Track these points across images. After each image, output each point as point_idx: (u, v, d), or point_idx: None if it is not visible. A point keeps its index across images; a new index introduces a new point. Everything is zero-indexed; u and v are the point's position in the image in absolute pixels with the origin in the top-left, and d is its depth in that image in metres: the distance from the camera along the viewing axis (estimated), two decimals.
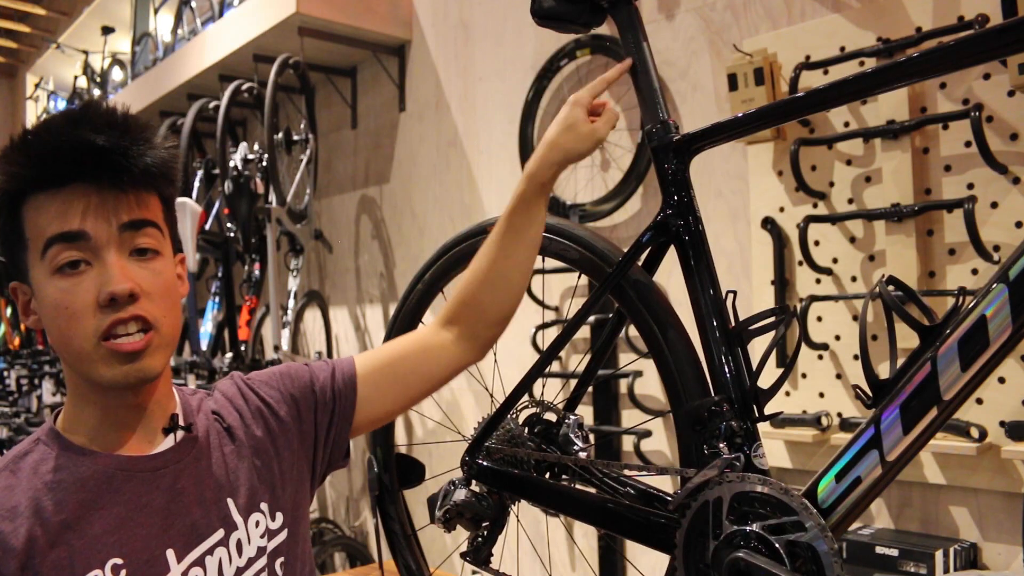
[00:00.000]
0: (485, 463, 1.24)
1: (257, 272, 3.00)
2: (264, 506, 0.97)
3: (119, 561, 0.84)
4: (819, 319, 1.65)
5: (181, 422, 0.96)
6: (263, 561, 0.95)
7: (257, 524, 0.95)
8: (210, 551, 0.91)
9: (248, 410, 1.02)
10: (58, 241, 0.84)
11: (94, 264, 0.85)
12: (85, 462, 0.88)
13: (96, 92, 5.12)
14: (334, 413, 1.05)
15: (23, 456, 0.89)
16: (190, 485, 0.92)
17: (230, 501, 0.95)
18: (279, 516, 0.99)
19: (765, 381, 0.98)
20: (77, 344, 0.85)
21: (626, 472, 1.12)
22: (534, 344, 2.21)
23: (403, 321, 1.42)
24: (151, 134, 0.90)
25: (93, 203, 0.85)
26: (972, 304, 0.82)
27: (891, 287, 0.90)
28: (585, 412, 2.03)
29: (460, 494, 1.23)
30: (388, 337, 1.45)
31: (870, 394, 0.89)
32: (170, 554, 0.88)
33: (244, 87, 2.92)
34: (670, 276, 1.73)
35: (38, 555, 0.82)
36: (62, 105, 6.14)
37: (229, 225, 2.89)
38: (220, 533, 0.92)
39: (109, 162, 0.85)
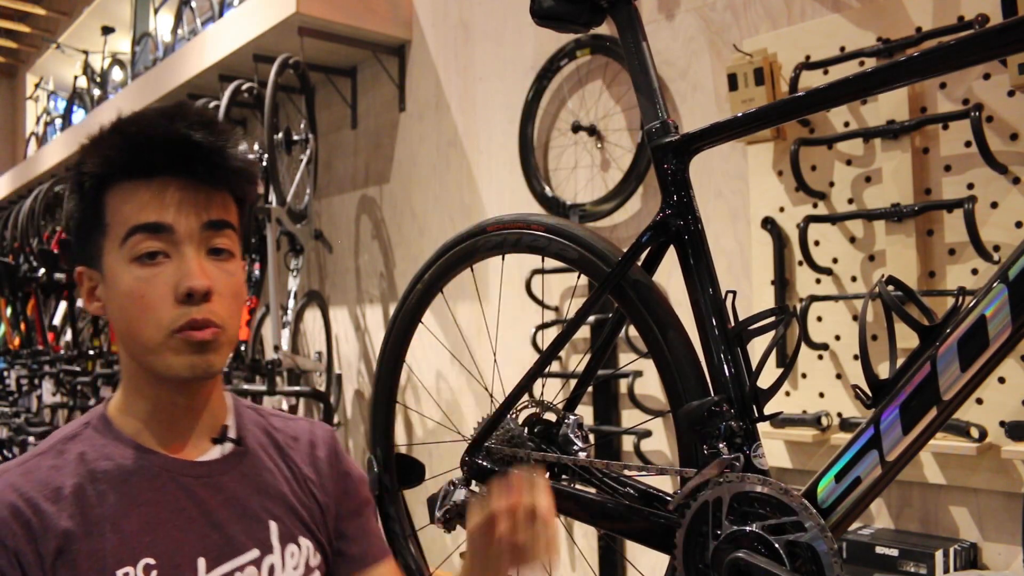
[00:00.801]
0: (485, 463, 1.24)
1: (257, 272, 3.00)
2: (304, 542, 0.96)
3: (151, 561, 0.84)
4: (819, 319, 1.65)
5: (232, 434, 0.95)
6: None
7: (292, 555, 0.94)
8: (240, 568, 0.90)
9: (322, 470, 1.02)
10: (142, 230, 0.85)
11: (173, 257, 0.85)
12: (131, 455, 0.88)
13: (96, 92, 5.12)
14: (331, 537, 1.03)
15: (71, 438, 0.89)
16: (232, 498, 0.92)
17: (272, 524, 0.93)
18: (319, 557, 0.97)
19: (765, 381, 0.98)
20: (148, 333, 0.85)
21: (626, 472, 1.12)
22: (534, 344, 2.21)
23: (403, 321, 1.42)
24: (239, 138, 0.91)
25: (180, 198, 0.86)
26: (972, 304, 0.82)
27: (891, 287, 0.90)
28: (585, 412, 2.03)
29: (460, 494, 1.23)
30: (388, 337, 1.45)
31: (870, 394, 0.89)
32: (201, 563, 0.87)
33: (244, 87, 2.92)
34: (670, 276, 1.73)
35: (75, 542, 0.82)
36: (62, 105, 6.15)
37: None
38: (255, 553, 0.91)
39: (204, 159, 0.86)
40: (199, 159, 0.86)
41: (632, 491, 1.10)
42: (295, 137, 2.87)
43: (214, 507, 0.90)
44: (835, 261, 1.64)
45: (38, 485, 0.83)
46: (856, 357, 1.60)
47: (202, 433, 0.94)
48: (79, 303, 4.22)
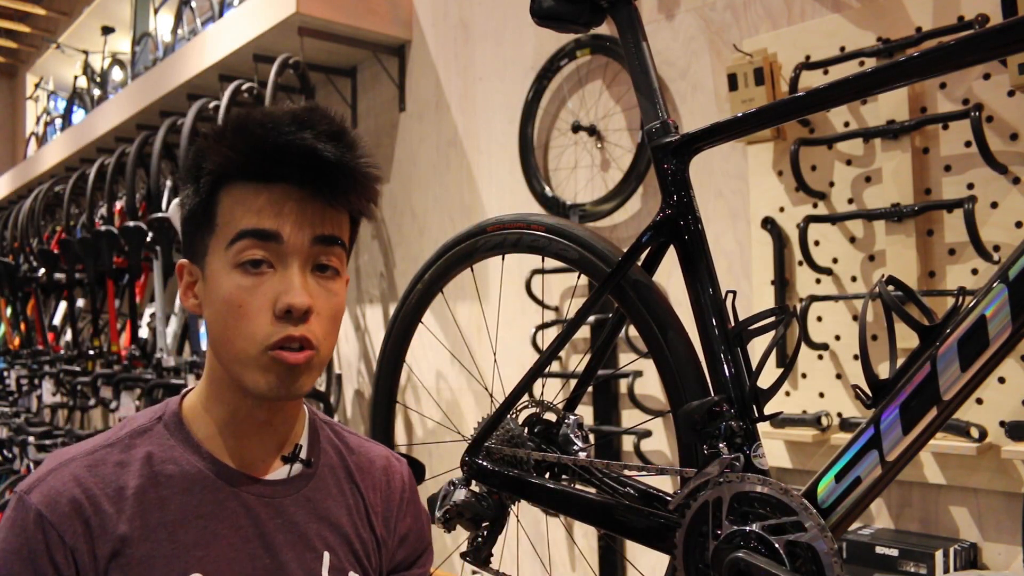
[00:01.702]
0: (485, 463, 1.24)
1: None
2: None
3: None
4: (819, 319, 1.65)
5: (304, 454, 0.93)
6: None
7: None
8: None
9: (391, 506, 1.00)
10: (251, 236, 0.82)
11: (277, 269, 0.82)
12: (198, 462, 0.86)
13: (96, 92, 5.12)
14: None
15: (141, 433, 0.87)
16: (290, 523, 0.89)
17: (326, 555, 0.90)
18: None
19: (765, 381, 0.98)
20: (240, 345, 0.82)
21: (626, 472, 1.12)
22: (534, 344, 2.21)
23: (403, 321, 1.42)
24: (364, 149, 0.87)
25: (295, 208, 0.82)
26: (972, 304, 0.82)
27: (891, 287, 0.90)
28: (585, 412, 2.03)
29: (460, 494, 1.23)
30: (388, 337, 1.45)
31: (870, 394, 0.89)
32: None
33: (244, 87, 2.92)
34: (670, 276, 1.73)
35: (130, 546, 0.80)
36: (62, 105, 6.15)
37: None
38: None
39: (328, 173, 0.83)
40: (322, 171, 0.82)
41: (632, 491, 1.10)
42: None
43: (272, 529, 0.87)
44: (835, 261, 1.64)
45: (102, 482, 0.82)
46: (856, 357, 1.60)
47: (274, 449, 0.91)
48: (79, 303, 4.22)
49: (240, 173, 0.83)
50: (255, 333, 0.81)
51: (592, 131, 2.16)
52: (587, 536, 2.14)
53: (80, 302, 4.25)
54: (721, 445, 0.97)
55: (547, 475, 1.21)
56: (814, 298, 1.63)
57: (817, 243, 1.66)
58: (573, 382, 1.29)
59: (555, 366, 2.20)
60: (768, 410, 0.99)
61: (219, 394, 0.88)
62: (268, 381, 0.82)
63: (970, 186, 1.46)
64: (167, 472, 0.84)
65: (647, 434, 1.97)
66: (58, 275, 4.14)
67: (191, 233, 0.87)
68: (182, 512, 0.83)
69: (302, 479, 0.92)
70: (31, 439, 3.84)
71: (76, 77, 5.73)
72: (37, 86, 6.97)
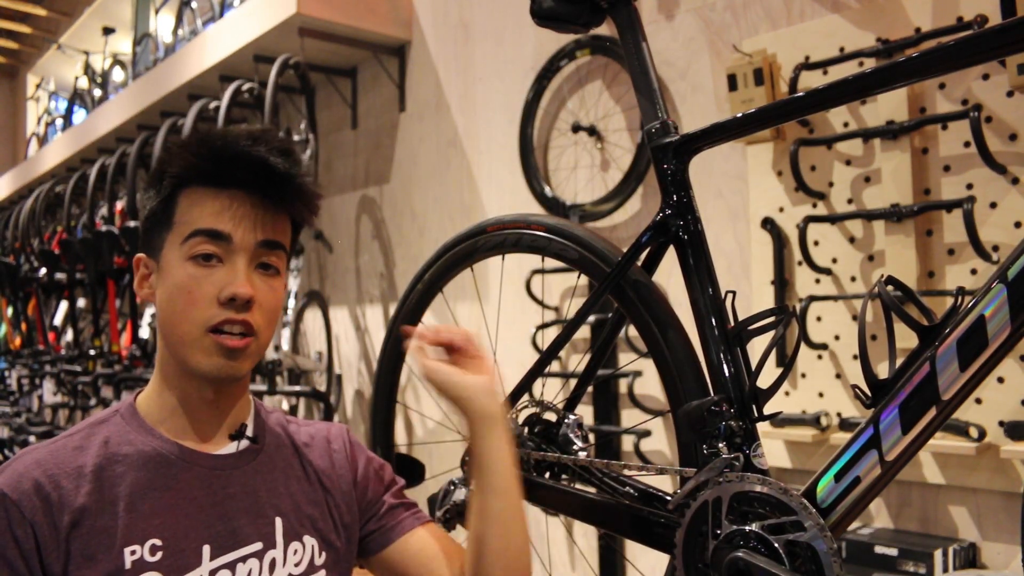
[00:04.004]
0: None
1: None
2: (309, 540, 1.00)
3: (158, 542, 0.89)
4: (818, 319, 1.65)
5: (249, 432, 1.01)
6: None
7: (295, 552, 0.98)
8: (243, 559, 0.94)
9: (338, 461, 1.07)
10: (204, 234, 0.92)
11: (225, 263, 0.93)
12: (152, 442, 0.94)
13: (97, 92, 5.12)
14: (364, 523, 1.08)
15: (101, 423, 0.95)
16: (241, 492, 0.96)
17: (278, 520, 0.98)
18: (324, 556, 1.00)
19: (764, 381, 0.98)
20: (186, 328, 0.92)
21: (626, 472, 1.12)
22: (534, 344, 2.21)
23: (403, 321, 1.42)
24: (309, 170, 0.99)
25: (245, 212, 0.93)
26: (971, 304, 0.82)
27: (890, 287, 0.90)
28: (585, 412, 2.04)
29: (460, 494, 1.23)
30: (388, 337, 1.45)
31: (869, 394, 0.89)
32: (205, 550, 0.92)
33: (245, 87, 2.93)
34: (670, 276, 1.73)
35: (89, 517, 0.87)
36: (63, 106, 6.15)
37: None
38: (258, 545, 0.95)
39: (275, 182, 0.94)
40: (271, 181, 0.94)
41: (632, 491, 1.10)
42: (295, 137, 2.87)
43: (224, 498, 0.95)
44: (835, 261, 1.64)
45: (61, 463, 0.89)
46: (855, 357, 1.60)
47: (222, 429, 0.99)
48: (80, 303, 4.23)
49: (199, 178, 0.94)
50: (199, 315, 0.91)
51: (592, 131, 2.17)
52: (587, 536, 2.14)
53: (81, 302, 4.25)
54: (721, 445, 0.97)
55: (547, 475, 1.21)
56: (814, 298, 1.63)
57: (817, 243, 1.66)
58: (573, 382, 1.29)
59: (555, 366, 2.20)
60: (768, 410, 0.99)
61: (168, 380, 0.97)
62: (210, 362, 0.92)
63: (969, 186, 1.46)
64: (123, 452, 0.92)
65: (647, 434, 1.97)
66: (59, 275, 4.14)
67: (150, 230, 0.97)
68: (138, 485, 0.91)
69: (250, 453, 1.00)
70: (32, 439, 3.85)
71: (77, 78, 5.73)
72: (38, 86, 6.98)
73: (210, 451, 0.97)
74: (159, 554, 0.88)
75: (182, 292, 0.91)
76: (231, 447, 0.99)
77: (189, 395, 0.96)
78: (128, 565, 0.86)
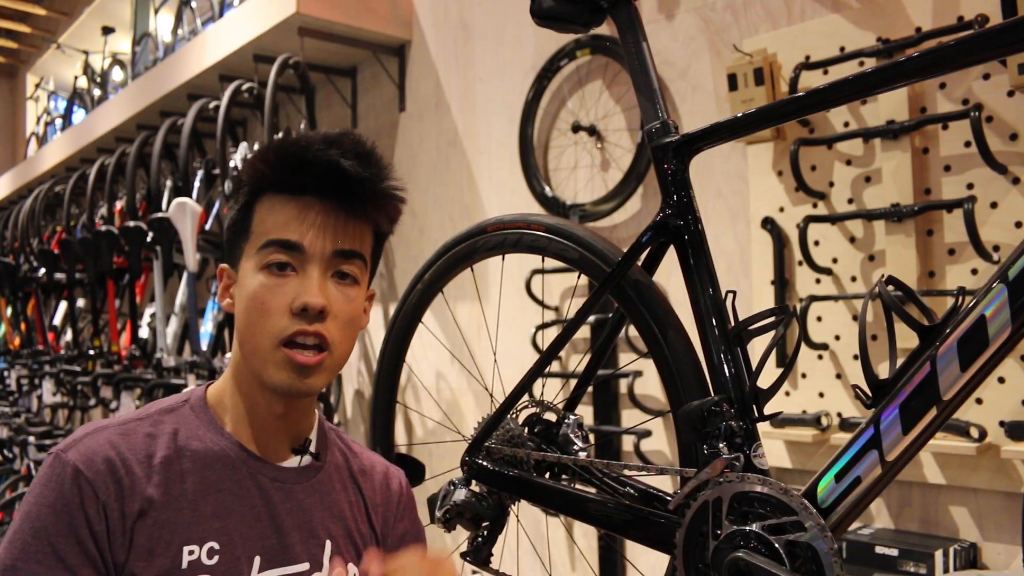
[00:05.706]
0: (485, 463, 1.24)
1: None
2: (352, 569, 0.98)
3: (215, 546, 0.88)
4: (819, 319, 1.65)
5: (312, 448, 1.00)
6: None
7: None
8: None
9: (391, 504, 1.07)
10: (276, 244, 0.90)
11: (299, 273, 0.91)
12: (220, 442, 0.93)
13: (96, 92, 5.12)
14: None
15: (169, 411, 0.94)
16: (298, 509, 0.95)
17: (328, 543, 0.97)
18: None
19: (765, 381, 0.98)
20: (259, 340, 0.90)
21: (626, 472, 1.12)
22: (534, 344, 2.21)
23: (403, 321, 1.42)
24: (390, 172, 0.95)
25: (319, 221, 0.91)
26: (971, 304, 0.82)
27: (891, 287, 0.90)
28: (585, 412, 2.04)
29: (460, 494, 1.23)
30: (388, 337, 1.45)
31: (870, 394, 0.89)
32: (257, 561, 0.91)
33: (244, 87, 2.92)
34: (670, 276, 1.73)
35: (155, 509, 0.86)
36: (62, 105, 6.15)
37: None
38: (305, 566, 0.94)
39: (349, 187, 0.91)
40: (344, 186, 0.91)
41: (632, 491, 1.10)
42: None
43: (282, 512, 0.94)
44: (835, 261, 1.64)
45: (134, 448, 0.88)
46: (856, 357, 1.60)
47: (287, 441, 0.98)
48: (80, 303, 4.22)
49: (272, 185, 0.92)
50: (272, 327, 0.89)
51: (592, 131, 2.16)
52: (587, 536, 2.14)
53: (80, 302, 4.25)
54: (721, 445, 0.97)
55: (547, 475, 1.21)
56: (814, 298, 1.63)
57: (817, 243, 1.66)
58: (573, 382, 1.29)
59: (555, 366, 2.20)
60: (768, 410, 0.99)
61: (240, 386, 0.95)
62: (280, 376, 0.90)
63: (970, 186, 1.46)
64: (192, 447, 0.91)
65: (647, 434, 1.97)
66: (58, 275, 4.14)
67: (231, 240, 0.97)
68: (203, 485, 0.89)
69: (311, 470, 0.99)
70: (31, 439, 3.84)
71: (76, 77, 5.73)
72: (37, 86, 6.98)
73: (273, 461, 0.96)
74: (215, 558, 0.87)
75: (255, 303, 0.90)
76: (293, 460, 0.98)
77: (258, 404, 0.95)
78: (184, 564, 0.85)
